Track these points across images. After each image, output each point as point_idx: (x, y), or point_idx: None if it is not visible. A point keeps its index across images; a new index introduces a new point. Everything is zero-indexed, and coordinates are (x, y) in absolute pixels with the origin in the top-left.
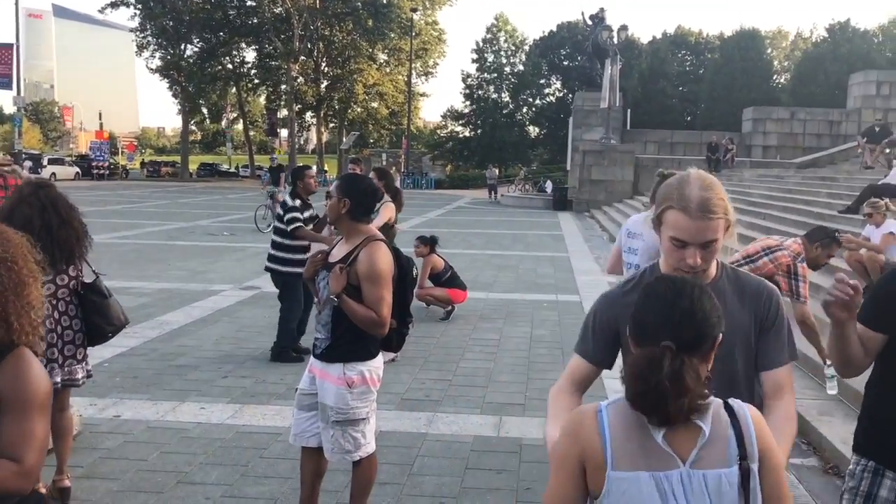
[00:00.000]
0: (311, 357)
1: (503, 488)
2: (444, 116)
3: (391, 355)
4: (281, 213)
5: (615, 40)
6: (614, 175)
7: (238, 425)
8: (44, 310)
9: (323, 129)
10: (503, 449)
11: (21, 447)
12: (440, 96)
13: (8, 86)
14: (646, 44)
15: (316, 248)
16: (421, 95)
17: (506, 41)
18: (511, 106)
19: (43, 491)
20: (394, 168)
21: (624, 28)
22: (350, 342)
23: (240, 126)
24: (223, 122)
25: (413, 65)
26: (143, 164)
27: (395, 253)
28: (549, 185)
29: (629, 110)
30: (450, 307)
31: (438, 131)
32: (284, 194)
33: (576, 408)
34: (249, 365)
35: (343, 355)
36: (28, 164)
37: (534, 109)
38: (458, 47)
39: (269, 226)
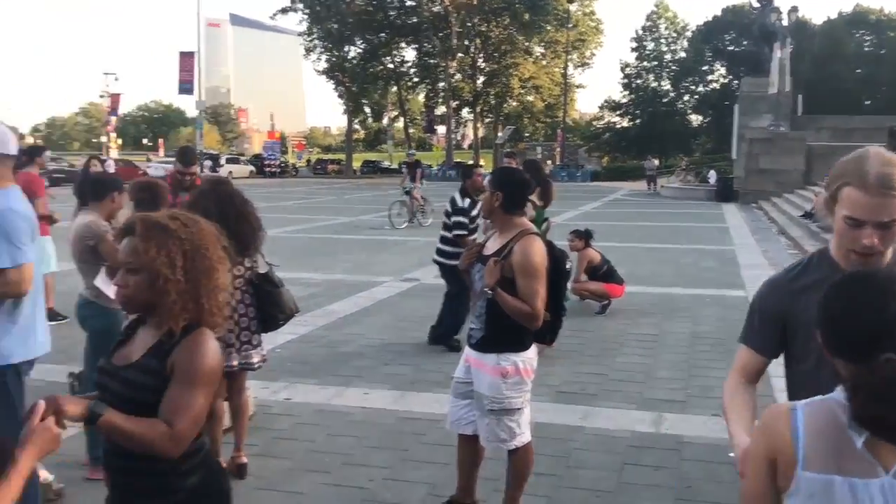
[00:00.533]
0: (467, 346)
1: (662, 485)
2: (601, 107)
3: (543, 348)
4: (449, 209)
5: (784, 22)
6: (784, 164)
7: (399, 411)
8: (229, 293)
9: (479, 125)
10: (662, 446)
11: (176, 414)
12: (597, 87)
13: (190, 91)
14: (819, 24)
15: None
16: (577, 87)
17: (666, 28)
18: (672, 94)
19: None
20: (548, 161)
21: (794, 9)
22: (504, 333)
23: (400, 124)
24: (384, 121)
25: (569, 56)
26: (310, 162)
27: (549, 246)
28: (712, 175)
29: (800, 95)
30: (606, 301)
31: (595, 122)
32: (419, 190)
33: (758, 404)
34: (410, 353)
35: (497, 346)
36: (208, 163)
37: (696, 97)
38: (616, 37)
39: (407, 223)
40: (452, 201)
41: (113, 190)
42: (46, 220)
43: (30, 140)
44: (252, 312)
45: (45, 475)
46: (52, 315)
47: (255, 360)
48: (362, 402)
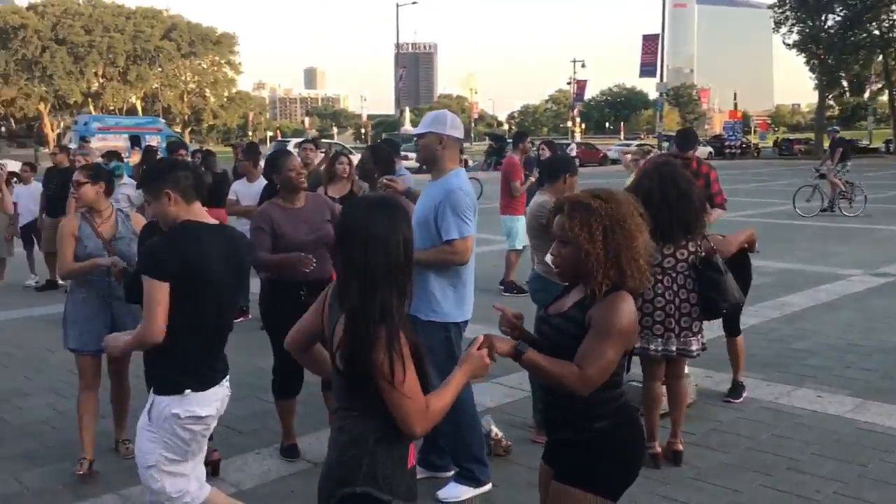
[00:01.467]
0: None
1: None
2: None
3: None
4: None
5: None
6: None
7: (858, 421)
8: (650, 255)
9: None
10: None
11: (587, 359)
12: None
13: (653, 73)
14: None
15: None
16: None
17: None
18: None
19: (660, 451)
20: None
21: None
22: None
23: (884, 97)
24: (866, 95)
25: None
26: (776, 142)
27: None
28: None
29: None
30: None
31: None
32: (837, 173)
33: None
34: (877, 358)
35: None
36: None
37: None
38: None
39: (825, 209)
40: None
41: (565, 172)
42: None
43: (505, 127)
44: (693, 298)
45: (496, 431)
46: (510, 287)
47: (694, 347)
48: (813, 405)
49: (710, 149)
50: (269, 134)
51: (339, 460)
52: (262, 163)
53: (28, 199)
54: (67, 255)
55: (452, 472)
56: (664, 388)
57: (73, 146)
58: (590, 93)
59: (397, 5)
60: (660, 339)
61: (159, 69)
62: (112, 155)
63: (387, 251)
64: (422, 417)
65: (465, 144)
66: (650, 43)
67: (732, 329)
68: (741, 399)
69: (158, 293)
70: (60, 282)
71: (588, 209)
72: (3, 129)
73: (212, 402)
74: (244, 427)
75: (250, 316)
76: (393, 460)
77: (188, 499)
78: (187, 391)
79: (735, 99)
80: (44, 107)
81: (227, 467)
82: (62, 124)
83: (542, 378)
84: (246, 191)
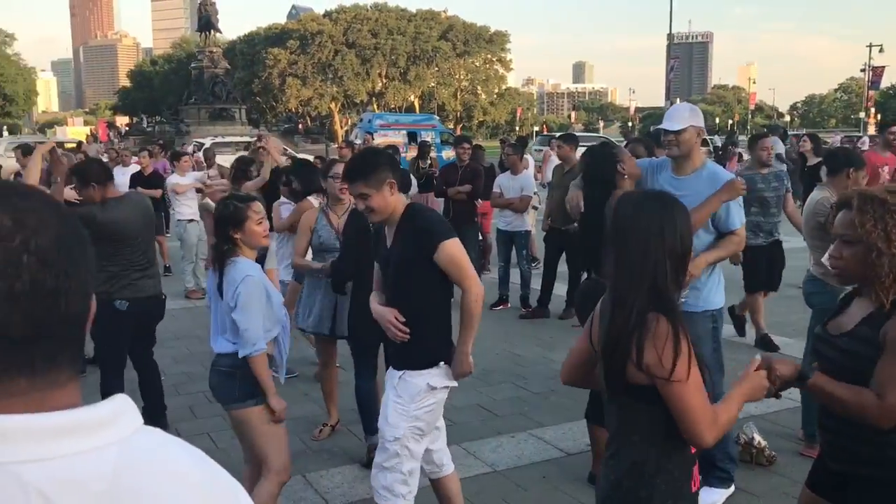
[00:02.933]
0: None
1: None
2: None
3: None
4: None
5: None
6: None
7: None
8: None
9: None
10: None
11: (886, 385)
12: None
13: None
14: None
15: None
16: None
17: None
18: None
19: None
20: None
21: None
22: None
23: None
24: None
25: None
26: None
27: None
28: None
29: None
30: None
31: None
32: None
33: None
34: None
35: None
36: None
37: None
38: None
39: None
40: None
41: (850, 165)
42: None
43: (787, 119)
44: None
45: (759, 440)
46: None
47: None
48: None
49: None
50: (535, 129)
51: (614, 493)
52: (528, 156)
53: None
54: (300, 247)
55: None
56: None
57: (357, 142)
58: (889, 79)
59: None
60: None
61: (436, 68)
62: (391, 150)
63: (663, 244)
64: (711, 422)
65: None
66: None
67: None
68: None
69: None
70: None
71: (884, 205)
72: (300, 126)
73: (450, 374)
74: (501, 411)
75: (509, 305)
76: (674, 489)
77: (414, 481)
78: (441, 363)
79: None
80: (334, 106)
81: (482, 447)
82: (349, 121)
83: (833, 407)
84: (510, 184)
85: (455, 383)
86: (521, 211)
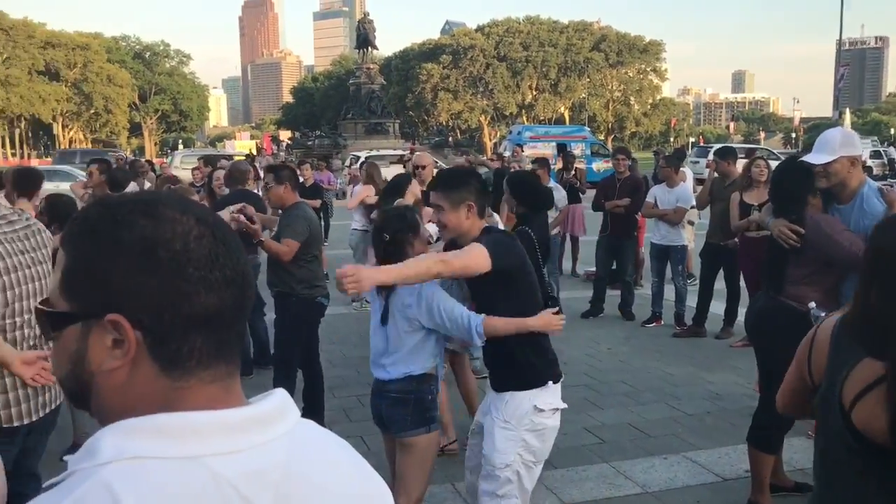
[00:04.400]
0: None
1: None
2: None
3: None
4: None
5: None
6: None
7: None
8: None
9: None
10: None
11: None
12: None
13: None
14: None
15: None
16: None
17: None
18: None
19: None
20: None
21: None
22: None
23: None
24: None
25: None
26: None
27: None
28: None
29: None
30: None
31: None
32: None
33: None
34: None
35: None
36: None
37: None
38: None
39: None
40: None
41: None
42: None
43: None
44: None
45: None
46: None
47: None
48: None
49: None
50: (692, 140)
51: None
52: (685, 168)
53: None
54: None
55: None
56: None
57: (506, 154)
58: None
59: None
60: None
61: (587, 79)
62: (541, 161)
63: None
64: None
65: None
66: None
67: None
68: None
69: None
70: None
71: None
72: (449, 139)
73: (558, 394)
74: (652, 431)
75: (662, 322)
76: None
77: None
78: (549, 383)
79: None
80: (484, 119)
81: (633, 468)
82: (498, 134)
83: None
84: (665, 196)
85: (565, 405)
86: (676, 223)
